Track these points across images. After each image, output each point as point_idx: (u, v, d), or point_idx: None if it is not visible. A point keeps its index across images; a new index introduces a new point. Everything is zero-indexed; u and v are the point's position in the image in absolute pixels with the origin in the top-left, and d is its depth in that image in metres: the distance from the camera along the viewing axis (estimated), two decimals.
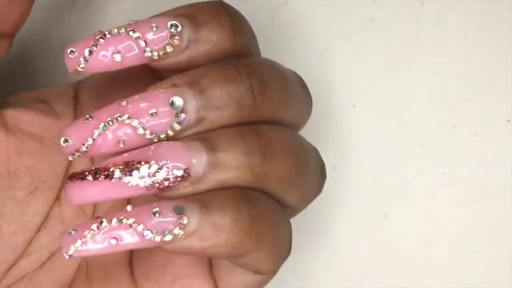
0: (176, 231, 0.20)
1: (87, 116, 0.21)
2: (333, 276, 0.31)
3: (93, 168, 0.21)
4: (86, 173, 0.21)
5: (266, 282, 0.24)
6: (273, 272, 0.24)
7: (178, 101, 0.21)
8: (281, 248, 0.23)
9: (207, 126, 0.21)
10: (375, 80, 0.31)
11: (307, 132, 0.31)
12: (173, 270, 0.24)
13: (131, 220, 0.20)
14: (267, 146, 0.22)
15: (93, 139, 0.21)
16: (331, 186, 0.31)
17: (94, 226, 0.20)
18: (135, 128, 0.21)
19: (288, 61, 0.31)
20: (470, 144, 0.30)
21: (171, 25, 0.21)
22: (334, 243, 0.31)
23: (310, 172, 0.24)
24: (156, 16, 0.22)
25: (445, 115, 0.30)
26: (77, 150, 0.21)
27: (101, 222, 0.20)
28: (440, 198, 0.30)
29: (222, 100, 0.21)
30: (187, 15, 0.22)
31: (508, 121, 0.30)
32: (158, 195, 0.21)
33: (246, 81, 0.22)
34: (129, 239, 0.20)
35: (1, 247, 0.23)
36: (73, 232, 0.20)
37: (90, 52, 0.21)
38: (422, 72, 0.30)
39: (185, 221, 0.20)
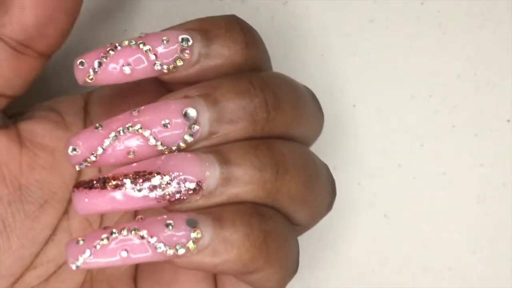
0: (190, 245, 0.20)
1: (97, 125, 0.20)
2: (333, 276, 0.31)
3: (102, 177, 0.20)
4: (94, 182, 0.20)
5: None
6: None
7: (192, 112, 0.20)
8: (289, 266, 0.23)
9: (219, 140, 0.21)
10: (375, 80, 0.31)
11: None
12: (179, 287, 0.23)
13: (143, 232, 0.20)
14: (280, 162, 0.21)
15: (103, 149, 0.20)
16: None
17: (104, 236, 0.20)
18: (146, 139, 0.20)
19: (288, 61, 0.31)
20: (470, 144, 0.30)
21: (182, 39, 0.21)
22: (334, 243, 0.31)
23: (321, 189, 0.23)
24: (168, 29, 0.22)
25: (445, 115, 0.30)
26: (85, 160, 0.20)
27: (112, 233, 0.20)
28: (440, 198, 0.30)
29: (235, 113, 0.21)
30: (199, 29, 0.21)
31: (508, 121, 0.30)
32: (168, 207, 0.21)
33: (260, 94, 0.21)
34: (141, 251, 0.20)
35: (9, 260, 0.23)
36: (81, 242, 0.20)
37: (100, 64, 0.21)
38: (422, 72, 0.30)
39: (198, 234, 0.20)
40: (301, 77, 0.31)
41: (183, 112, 0.20)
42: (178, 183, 0.20)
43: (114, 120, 0.20)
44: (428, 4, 0.30)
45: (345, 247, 0.31)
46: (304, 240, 0.31)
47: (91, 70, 0.21)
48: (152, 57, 0.21)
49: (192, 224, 0.20)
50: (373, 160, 0.31)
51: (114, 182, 0.20)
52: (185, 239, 0.20)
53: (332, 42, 0.31)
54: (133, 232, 0.20)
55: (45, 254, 0.24)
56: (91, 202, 0.20)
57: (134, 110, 0.20)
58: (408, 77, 0.31)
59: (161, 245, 0.19)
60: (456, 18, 0.30)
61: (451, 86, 0.30)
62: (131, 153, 0.20)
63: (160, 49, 0.21)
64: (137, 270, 0.24)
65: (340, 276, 0.31)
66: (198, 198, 0.20)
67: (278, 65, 0.31)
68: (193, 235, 0.20)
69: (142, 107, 0.21)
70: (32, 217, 0.23)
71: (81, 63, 0.21)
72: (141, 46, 0.21)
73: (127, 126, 0.20)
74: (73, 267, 0.20)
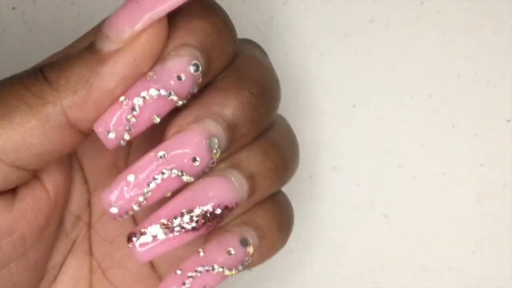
0: (246, 260, 0.23)
1: (128, 178, 0.21)
2: (333, 275, 0.31)
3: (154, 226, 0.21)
4: (153, 234, 0.21)
5: None
6: None
7: (215, 143, 0.21)
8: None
9: (231, 151, 0.23)
10: (375, 80, 0.31)
11: (307, 132, 0.31)
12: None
13: (216, 267, 0.22)
14: (284, 154, 0.24)
15: (144, 199, 0.21)
16: (331, 186, 0.31)
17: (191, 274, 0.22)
18: (179, 178, 0.21)
19: (288, 61, 0.31)
20: (470, 144, 0.30)
21: (193, 67, 0.21)
22: (334, 243, 0.31)
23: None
24: (173, 58, 0.22)
25: (445, 115, 0.30)
26: (127, 212, 0.21)
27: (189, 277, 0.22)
28: (440, 198, 0.30)
29: (247, 127, 0.22)
30: (200, 48, 0.22)
31: (508, 121, 0.30)
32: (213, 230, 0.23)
33: (262, 102, 0.23)
34: (215, 281, 0.22)
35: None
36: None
37: (129, 128, 0.21)
38: (422, 72, 0.30)
39: (251, 250, 0.23)
40: (301, 77, 0.31)
41: (207, 144, 0.21)
42: (221, 210, 0.22)
43: (142, 166, 0.21)
44: (428, 4, 0.30)
45: (345, 247, 0.31)
46: (304, 240, 0.31)
47: (124, 135, 0.21)
48: (175, 98, 0.21)
49: (245, 243, 0.22)
50: (373, 160, 0.31)
51: (170, 227, 0.21)
52: (243, 257, 0.23)
53: (332, 42, 0.31)
54: (206, 269, 0.22)
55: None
56: (151, 250, 0.22)
57: (158, 152, 0.21)
58: (408, 77, 0.31)
59: (227, 270, 0.22)
60: (456, 18, 0.30)
61: (451, 86, 0.30)
62: (168, 193, 0.22)
63: (176, 86, 0.21)
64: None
65: (340, 276, 0.31)
66: (234, 213, 0.23)
67: (278, 65, 0.31)
68: (249, 251, 0.23)
69: (165, 146, 0.21)
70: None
71: (109, 133, 0.21)
72: (162, 92, 0.21)
73: (160, 170, 0.21)
74: None
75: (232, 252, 0.22)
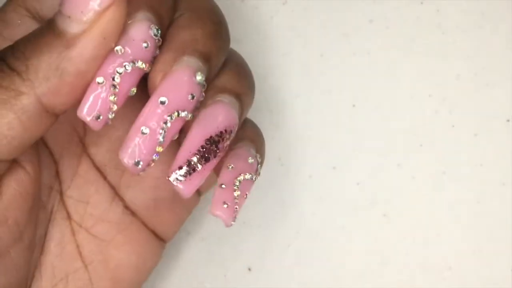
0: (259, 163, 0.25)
1: (142, 129, 0.22)
2: (333, 275, 0.31)
3: (189, 162, 0.22)
4: (189, 169, 0.23)
5: None
6: None
7: (201, 76, 0.22)
8: None
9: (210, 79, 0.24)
10: (375, 80, 0.31)
11: (307, 132, 0.31)
12: None
13: (247, 175, 0.24)
14: (249, 72, 0.26)
15: (161, 146, 0.22)
16: (330, 186, 0.31)
17: (237, 194, 0.24)
18: (183, 117, 0.22)
19: (288, 61, 0.31)
20: (470, 144, 0.30)
21: (154, 30, 0.22)
22: (334, 242, 0.31)
23: None
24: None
25: (445, 115, 0.30)
26: (148, 164, 0.22)
27: (234, 190, 0.24)
28: (440, 198, 0.30)
29: (218, 54, 0.24)
30: (149, 8, 0.22)
31: (508, 121, 0.30)
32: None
33: (222, 28, 0.24)
34: (249, 187, 0.24)
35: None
36: (225, 206, 0.23)
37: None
38: (422, 72, 0.30)
39: (259, 158, 0.25)
40: (301, 77, 0.31)
41: (195, 80, 0.22)
42: (232, 131, 0.23)
43: (150, 117, 0.22)
44: (427, 4, 0.30)
45: (344, 247, 0.31)
46: (304, 239, 0.31)
47: (109, 115, 0.22)
48: (145, 65, 0.22)
49: (254, 153, 0.25)
50: (373, 160, 0.31)
51: (199, 161, 0.23)
52: (257, 163, 0.25)
53: (332, 42, 0.31)
54: (243, 178, 0.24)
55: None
56: (192, 183, 0.23)
57: (160, 98, 0.22)
58: (407, 77, 0.30)
59: (254, 175, 0.24)
60: (456, 18, 0.30)
61: (450, 86, 0.30)
62: (176, 135, 0.23)
63: (144, 54, 0.22)
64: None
65: (339, 276, 0.31)
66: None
67: (278, 65, 0.31)
68: (259, 158, 0.25)
69: (161, 90, 0.22)
70: None
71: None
72: (136, 64, 0.22)
73: (167, 117, 0.22)
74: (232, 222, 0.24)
75: (251, 160, 0.24)
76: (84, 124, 0.26)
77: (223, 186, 0.23)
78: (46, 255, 0.25)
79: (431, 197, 0.30)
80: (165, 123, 0.22)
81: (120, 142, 0.22)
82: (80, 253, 0.26)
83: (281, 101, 0.31)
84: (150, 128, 0.22)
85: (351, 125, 0.31)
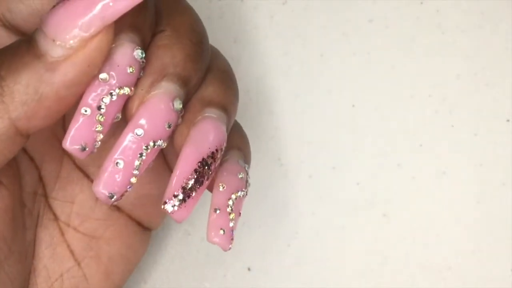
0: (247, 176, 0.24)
1: (117, 162, 0.21)
2: (333, 276, 0.31)
3: (183, 189, 0.22)
4: (183, 196, 0.22)
5: None
6: None
7: (179, 103, 0.22)
8: None
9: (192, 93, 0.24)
10: (375, 80, 0.31)
11: (307, 132, 0.31)
12: None
13: (239, 193, 0.23)
14: (232, 76, 0.25)
15: (135, 177, 0.22)
16: (330, 186, 0.31)
17: (232, 217, 0.23)
18: (159, 147, 0.22)
19: (287, 61, 0.31)
20: (470, 144, 0.30)
21: (138, 52, 0.22)
22: (333, 242, 0.31)
23: None
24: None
25: (445, 115, 0.30)
26: (122, 195, 0.22)
27: (228, 213, 0.23)
28: (440, 198, 0.30)
29: (197, 75, 0.23)
30: (132, 29, 0.22)
31: (508, 121, 0.30)
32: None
33: (203, 46, 0.23)
34: (242, 201, 0.24)
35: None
36: (221, 232, 0.23)
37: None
38: (421, 72, 0.30)
39: (247, 168, 0.24)
40: (301, 77, 0.31)
41: (173, 107, 0.22)
42: (221, 147, 0.23)
43: (125, 150, 0.21)
44: (427, 4, 0.30)
45: (344, 247, 0.31)
46: (303, 239, 0.31)
47: (95, 144, 0.21)
48: (130, 90, 0.21)
49: (244, 162, 0.24)
50: (372, 160, 0.31)
51: (194, 187, 0.22)
52: (246, 175, 0.24)
53: (332, 42, 0.31)
54: (240, 196, 0.24)
55: None
56: (188, 208, 0.22)
57: (137, 130, 0.21)
58: (407, 77, 0.30)
59: (245, 192, 0.24)
60: (456, 18, 0.30)
61: (450, 86, 0.30)
62: (151, 163, 0.22)
63: (129, 79, 0.21)
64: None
65: (339, 276, 0.31)
66: None
67: (277, 65, 0.31)
68: (247, 168, 0.24)
69: (137, 120, 0.21)
70: None
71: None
72: (121, 91, 0.21)
73: (143, 148, 0.21)
74: (216, 239, 0.23)
75: (241, 175, 0.24)
76: (63, 127, 0.25)
77: (217, 211, 0.23)
78: (38, 258, 0.25)
79: (431, 197, 0.30)
80: (141, 155, 0.21)
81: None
82: (72, 252, 0.26)
83: (281, 101, 0.31)
84: (125, 162, 0.21)
85: (351, 125, 0.31)
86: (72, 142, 0.20)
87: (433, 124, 0.30)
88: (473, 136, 0.30)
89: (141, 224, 0.27)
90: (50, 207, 0.26)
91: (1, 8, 0.22)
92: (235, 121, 0.26)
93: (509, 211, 0.30)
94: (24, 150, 0.25)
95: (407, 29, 0.30)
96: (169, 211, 0.22)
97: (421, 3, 0.30)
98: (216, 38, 0.26)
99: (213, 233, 0.23)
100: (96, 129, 0.21)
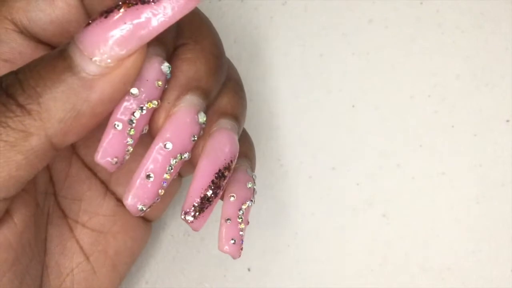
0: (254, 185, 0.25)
1: (149, 174, 0.22)
2: (333, 275, 0.31)
3: (201, 200, 0.23)
4: (202, 206, 0.23)
5: None
6: None
7: (203, 116, 0.22)
8: None
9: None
10: (375, 80, 0.31)
11: (307, 132, 0.31)
12: None
13: (248, 202, 0.24)
14: (242, 86, 0.26)
15: (163, 189, 0.22)
16: (330, 186, 0.31)
17: (241, 227, 0.24)
18: (185, 158, 0.22)
19: (287, 61, 0.31)
20: (469, 144, 0.30)
21: (165, 67, 0.22)
22: (333, 243, 0.31)
23: None
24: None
25: (444, 115, 0.30)
26: (150, 206, 0.22)
27: (238, 223, 0.24)
28: (439, 198, 0.30)
29: (217, 87, 0.24)
30: (160, 42, 0.22)
31: (507, 121, 0.30)
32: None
33: (222, 58, 0.24)
34: (250, 210, 0.25)
35: None
36: (232, 242, 0.24)
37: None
38: (421, 72, 0.30)
39: (254, 177, 0.25)
40: (300, 77, 0.31)
41: (198, 120, 0.22)
42: (235, 158, 0.24)
43: (155, 162, 0.22)
44: (427, 4, 0.30)
45: (344, 247, 0.31)
46: (303, 239, 0.31)
47: (125, 157, 0.22)
48: (157, 102, 0.22)
49: (250, 173, 0.25)
50: (372, 160, 0.31)
51: (211, 197, 0.23)
52: (253, 185, 0.25)
53: (331, 42, 0.31)
54: (245, 207, 0.24)
55: None
56: (205, 217, 0.23)
57: (166, 144, 0.22)
58: (407, 77, 0.30)
59: (253, 200, 0.25)
60: (456, 18, 0.30)
61: (450, 86, 0.30)
62: (176, 174, 0.23)
63: (157, 92, 0.22)
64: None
65: (339, 276, 0.31)
66: None
67: (277, 65, 0.31)
68: (254, 177, 0.25)
69: (165, 133, 0.22)
70: None
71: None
72: (151, 105, 0.22)
73: (171, 163, 0.22)
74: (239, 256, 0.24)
75: (250, 185, 0.24)
76: None
77: (228, 221, 0.24)
78: (50, 256, 0.26)
79: (431, 197, 0.30)
80: (170, 167, 0.22)
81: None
82: (81, 248, 0.26)
83: (281, 101, 0.31)
84: (155, 174, 0.22)
85: (351, 125, 0.31)
86: (103, 155, 0.21)
87: (432, 124, 0.30)
88: (473, 137, 0.30)
89: (145, 218, 0.28)
90: (59, 205, 0.26)
91: (19, 16, 0.22)
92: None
93: (509, 211, 0.30)
94: None
95: (407, 29, 0.30)
96: (189, 221, 0.23)
97: (421, 3, 0.30)
98: None
99: (224, 243, 0.24)
100: (127, 143, 0.21)
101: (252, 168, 0.25)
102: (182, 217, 0.23)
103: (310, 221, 0.31)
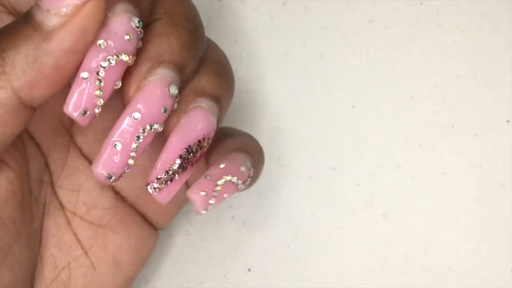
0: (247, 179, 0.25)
1: (116, 144, 0.22)
2: (333, 276, 0.31)
3: (168, 172, 0.23)
4: (167, 178, 0.23)
5: None
6: None
7: (174, 89, 0.23)
8: None
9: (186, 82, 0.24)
10: (375, 80, 0.31)
11: (307, 132, 0.31)
12: None
13: (234, 178, 0.24)
14: (229, 69, 0.26)
15: (133, 159, 0.22)
16: (330, 186, 0.31)
17: (218, 188, 0.24)
18: (155, 130, 0.23)
19: (287, 61, 0.31)
20: (469, 145, 0.30)
21: (135, 22, 0.22)
22: (333, 243, 0.31)
23: None
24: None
25: (444, 115, 0.30)
26: (120, 176, 0.23)
27: (216, 185, 0.24)
28: (439, 198, 0.30)
29: (192, 63, 0.24)
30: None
31: (507, 121, 0.30)
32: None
33: (198, 35, 0.24)
34: (232, 191, 0.25)
35: None
36: (202, 193, 0.24)
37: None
38: (421, 72, 0.30)
39: (251, 173, 0.25)
40: (300, 77, 0.31)
41: (169, 92, 0.22)
42: (210, 136, 0.24)
43: (123, 132, 0.22)
44: (427, 4, 0.30)
45: (344, 247, 0.31)
46: (303, 240, 0.31)
47: (96, 110, 0.22)
48: (127, 58, 0.22)
49: (249, 164, 0.25)
50: (372, 160, 0.31)
51: (177, 171, 0.23)
52: (247, 176, 0.25)
53: (331, 42, 0.31)
54: (231, 181, 0.24)
55: None
56: (170, 191, 0.23)
57: (134, 114, 0.22)
58: (407, 77, 0.31)
59: (241, 183, 0.25)
60: (456, 18, 0.30)
61: (450, 87, 0.30)
62: (148, 146, 0.23)
63: (127, 46, 0.22)
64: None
65: (339, 276, 0.31)
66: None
67: (277, 65, 0.31)
68: (250, 173, 0.25)
69: (135, 104, 0.22)
70: None
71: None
72: (120, 58, 0.22)
73: (141, 131, 0.22)
74: (203, 212, 0.24)
75: (243, 168, 0.24)
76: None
77: (208, 177, 0.24)
78: (45, 247, 0.26)
79: (431, 198, 0.30)
80: (138, 137, 0.22)
81: (107, 132, 0.22)
82: (78, 241, 0.26)
83: (281, 102, 0.31)
84: (123, 144, 0.22)
85: (351, 125, 0.31)
86: (73, 106, 0.21)
87: (432, 124, 0.30)
88: (473, 137, 0.30)
89: (147, 219, 0.28)
90: (56, 196, 0.26)
91: None
92: (253, 139, 0.26)
93: (509, 211, 0.30)
94: (30, 136, 0.25)
95: (407, 29, 0.30)
96: (151, 192, 0.23)
97: (421, 3, 0.30)
98: (216, 39, 0.26)
99: (194, 190, 0.24)
100: (96, 94, 0.21)
101: (255, 168, 0.25)
102: (146, 187, 0.23)
103: (310, 221, 0.31)
